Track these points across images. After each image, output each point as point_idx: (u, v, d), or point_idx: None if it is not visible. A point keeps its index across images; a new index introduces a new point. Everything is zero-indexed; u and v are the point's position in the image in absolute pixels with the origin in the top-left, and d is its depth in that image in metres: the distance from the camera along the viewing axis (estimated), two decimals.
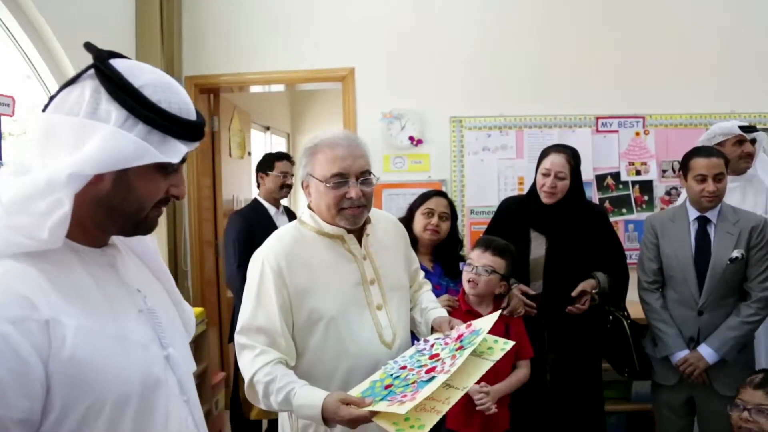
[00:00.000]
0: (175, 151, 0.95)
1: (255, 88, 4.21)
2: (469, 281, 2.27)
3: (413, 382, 1.42)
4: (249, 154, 4.83)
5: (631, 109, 3.64)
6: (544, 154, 2.59)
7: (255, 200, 3.51)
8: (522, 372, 2.27)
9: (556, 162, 2.52)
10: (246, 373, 1.57)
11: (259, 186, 3.54)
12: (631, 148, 3.65)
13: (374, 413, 1.38)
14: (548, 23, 3.67)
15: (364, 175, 1.63)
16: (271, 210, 3.44)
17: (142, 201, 0.98)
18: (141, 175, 0.95)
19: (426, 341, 1.67)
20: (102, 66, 0.92)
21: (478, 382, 2.09)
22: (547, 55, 3.66)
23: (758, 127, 2.95)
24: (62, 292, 0.89)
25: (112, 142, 0.89)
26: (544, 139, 3.56)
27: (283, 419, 1.77)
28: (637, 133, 3.64)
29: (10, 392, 0.81)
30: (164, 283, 1.15)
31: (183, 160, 0.99)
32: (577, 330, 2.54)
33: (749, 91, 3.59)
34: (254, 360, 1.56)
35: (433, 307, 1.86)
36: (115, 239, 1.06)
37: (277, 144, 6.76)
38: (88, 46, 0.94)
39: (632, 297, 2.70)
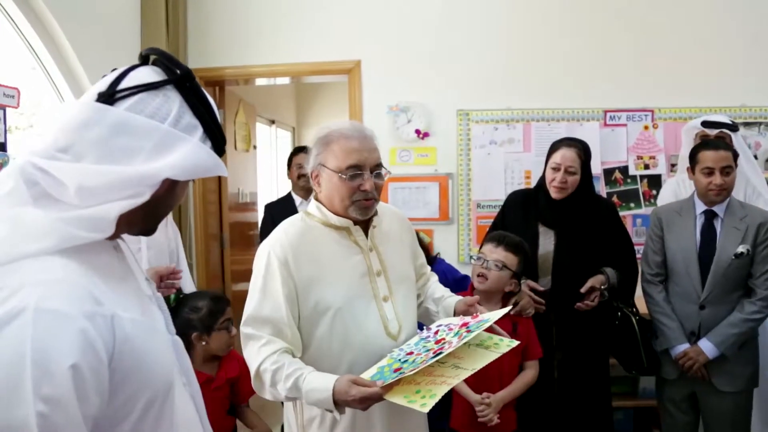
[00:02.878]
0: (223, 165, 1.04)
1: (260, 81, 4.20)
2: (479, 275, 2.23)
3: (422, 362, 1.45)
4: (254, 147, 4.82)
5: (640, 102, 3.61)
6: (554, 148, 2.55)
7: (288, 193, 3.91)
8: (529, 374, 2.24)
9: (566, 156, 2.48)
10: (252, 363, 1.57)
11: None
12: (640, 142, 3.62)
13: (386, 389, 1.41)
14: (556, 16, 3.63)
15: (377, 168, 1.64)
16: (297, 200, 3.80)
17: (174, 206, 1.07)
18: (183, 185, 1.03)
19: (429, 329, 1.68)
20: (191, 85, 1.00)
21: (479, 391, 2.10)
22: (555, 48, 3.63)
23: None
24: (111, 285, 0.92)
25: (199, 154, 0.97)
26: (551, 133, 3.53)
27: (288, 412, 1.76)
28: (646, 127, 3.61)
29: (90, 389, 0.82)
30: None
31: None
32: (586, 326, 2.52)
33: (759, 84, 3.54)
34: (260, 350, 1.56)
35: (449, 295, 1.86)
36: None
37: (283, 137, 6.75)
38: (176, 64, 0.99)
39: (641, 293, 2.68)
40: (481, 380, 2.08)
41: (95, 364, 0.82)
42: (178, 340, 1.10)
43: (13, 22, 2.67)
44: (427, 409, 1.34)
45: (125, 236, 1.06)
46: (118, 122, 0.93)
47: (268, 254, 1.63)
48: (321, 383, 1.47)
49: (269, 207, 3.89)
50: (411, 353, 1.55)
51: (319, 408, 1.55)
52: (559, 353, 2.51)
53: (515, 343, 1.61)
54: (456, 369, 1.47)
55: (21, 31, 2.72)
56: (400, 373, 1.43)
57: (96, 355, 0.82)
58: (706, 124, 2.90)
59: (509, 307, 1.74)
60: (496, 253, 2.23)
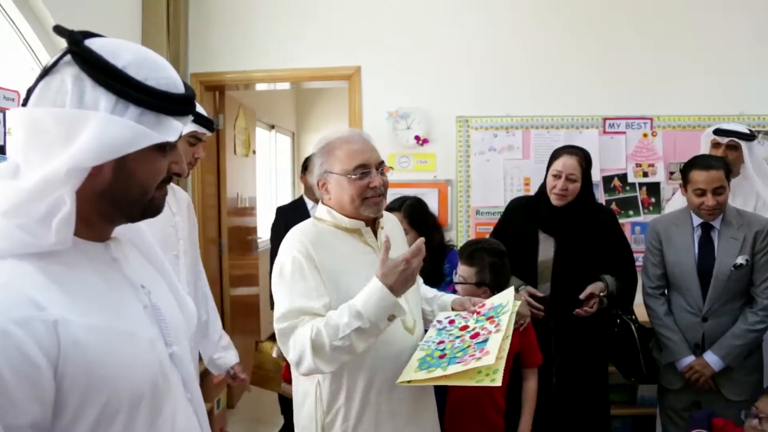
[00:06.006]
0: (170, 128, 0.91)
1: (261, 86, 4.20)
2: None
3: (468, 346, 1.53)
4: (254, 152, 4.82)
5: (639, 110, 3.61)
6: (556, 155, 2.55)
7: (300, 197, 3.87)
8: (532, 387, 2.21)
9: (568, 164, 2.48)
10: (303, 344, 1.53)
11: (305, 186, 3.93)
12: (639, 150, 3.62)
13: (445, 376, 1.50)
14: (556, 23, 3.64)
15: (381, 165, 1.72)
16: (309, 204, 3.74)
17: (146, 184, 0.94)
18: (140, 159, 0.90)
19: (440, 322, 1.77)
20: (79, 50, 0.85)
21: (476, 397, 2.09)
22: (555, 55, 3.64)
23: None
24: (69, 290, 0.86)
25: (106, 129, 0.83)
26: (551, 140, 3.54)
27: (309, 413, 1.71)
28: (645, 135, 3.62)
29: (19, 395, 0.77)
30: (165, 277, 1.12)
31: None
32: (585, 333, 2.51)
33: (758, 92, 3.55)
34: (303, 328, 1.54)
35: (441, 294, 1.92)
36: (117, 233, 1.03)
37: (282, 142, 6.75)
38: (59, 30, 0.86)
39: (640, 300, 2.68)
40: (478, 389, 2.06)
41: (25, 369, 0.77)
42: (180, 352, 1.03)
43: (13, 23, 2.67)
44: (498, 383, 1.45)
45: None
46: (26, 122, 0.84)
47: (290, 253, 1.64)
48: (367, 291, 1.50)
49: (281, 210, 3.86)
50: (441, 342, 1.64)
51: (384, 314, 1.50)
52: (558, 359, 2.51)
53: (517, 304, 1.75)
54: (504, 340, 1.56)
55: (21, 32, 2.71)
56: (451, 359, 1.52)
57: (27, 361, 0.77)
58: (717, 132, 2.88)
59: (512, 288, 1.85)
60: (460, 269, 2.23)
